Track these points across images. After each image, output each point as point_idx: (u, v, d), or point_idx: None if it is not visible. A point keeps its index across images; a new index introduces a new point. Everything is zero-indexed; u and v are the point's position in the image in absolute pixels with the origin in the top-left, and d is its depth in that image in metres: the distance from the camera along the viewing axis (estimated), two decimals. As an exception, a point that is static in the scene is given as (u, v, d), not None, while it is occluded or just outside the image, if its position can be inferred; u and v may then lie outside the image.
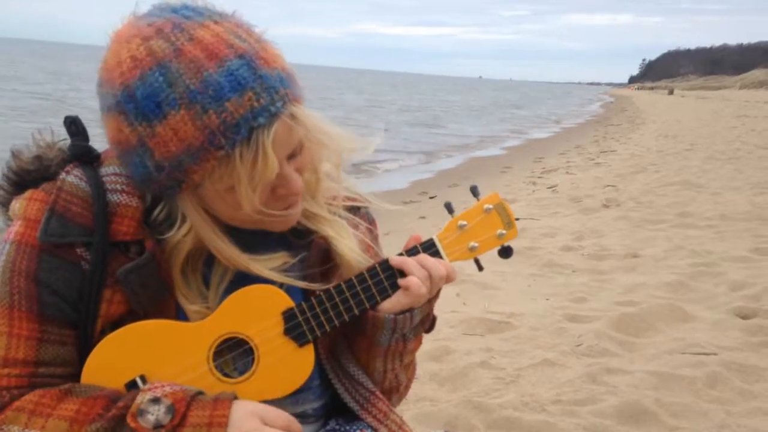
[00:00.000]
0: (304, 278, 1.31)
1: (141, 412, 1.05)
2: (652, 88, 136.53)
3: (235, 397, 1.11)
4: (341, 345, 1.37)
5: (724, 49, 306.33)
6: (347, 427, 1.34)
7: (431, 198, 9.86)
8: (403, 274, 1.28)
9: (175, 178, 1.08)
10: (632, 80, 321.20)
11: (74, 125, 1.21)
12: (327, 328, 1.24)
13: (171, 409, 1.06)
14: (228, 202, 1.12)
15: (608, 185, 9.48)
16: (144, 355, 1.15)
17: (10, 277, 1.13)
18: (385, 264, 1.29)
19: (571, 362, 3.29)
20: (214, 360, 1.19)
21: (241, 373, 1.20)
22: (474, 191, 1.34)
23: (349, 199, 1.38)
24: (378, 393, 1.39)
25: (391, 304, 1.28)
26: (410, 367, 1.43)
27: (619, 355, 3.41)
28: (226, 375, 1.20)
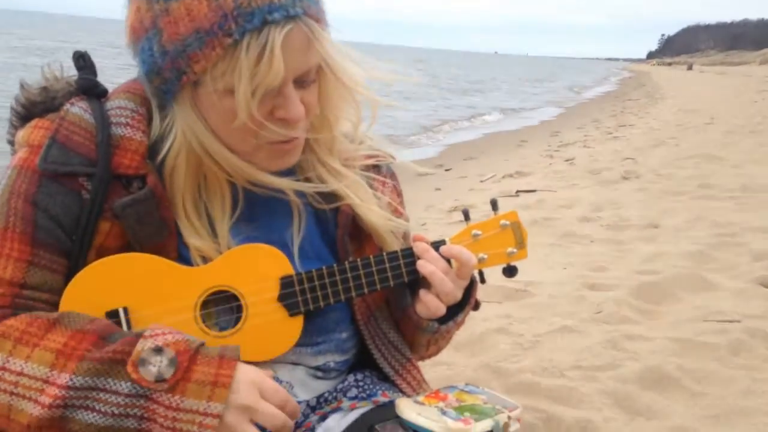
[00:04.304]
0: (334, 245, 1.28)
1: (142, 362, 1.01)
2: (670, 64, 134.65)
3: (239, 356, 1.07)
4: (383, 311, 1.34)
5: (745, 24, 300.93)
6: (371, 387, 1.31)
7: (447, 171, 9.79)
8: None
9: (177, 67, 1.05)
10: (651, 55, 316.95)
11: (82, 59, 1.20)
12: (321, 303, 1.21)
13: (174, 362, 1.01)
14: (224, 109, 1.08)
15: (627, 158, 9.34)
16: (132, 287, 1.12)
17: (8, 198, 1.11)
18: (407, 250, 1.26)
19: (591, 329, 3.24)
20: (201, 309, 1.15)
21: (222, 329, 1.16)
22: (494, 205, 1.32)
23: (370, 156, 1.33)
24: (414, 361, 1.37)
25: (422, 305, 1.25)
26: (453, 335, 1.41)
27: (640, 323, 3.35)
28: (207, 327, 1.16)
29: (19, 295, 1.08)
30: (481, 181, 8.29)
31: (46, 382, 1.00)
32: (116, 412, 1.00)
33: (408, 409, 1.17)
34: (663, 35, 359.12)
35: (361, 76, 1.17)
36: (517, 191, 7.15)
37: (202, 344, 1.06)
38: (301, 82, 1.10)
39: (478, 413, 1.17)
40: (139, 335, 1.04)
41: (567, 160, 9.68)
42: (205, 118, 1.11)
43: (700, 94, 26.88)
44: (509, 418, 1.18)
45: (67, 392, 0.99)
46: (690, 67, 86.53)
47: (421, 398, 1.23)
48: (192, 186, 1.17)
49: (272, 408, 1.05)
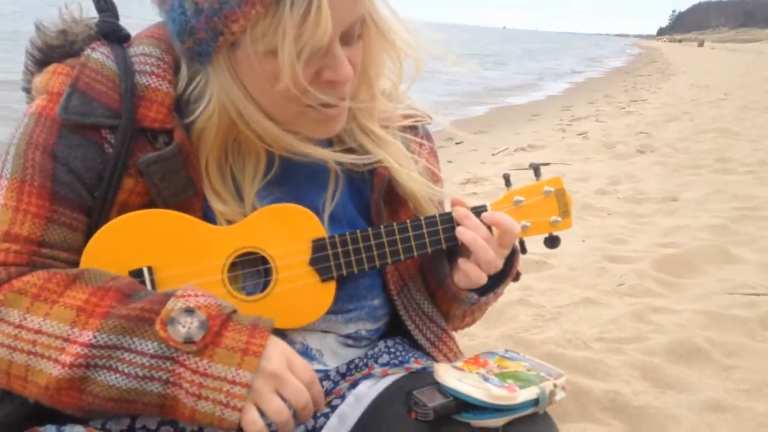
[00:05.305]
0: (367, 210, 1.19)
1: (171, 321, 0.93)
2: (680, 41, 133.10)
3: (272, 328, 1.00)
4: (417, 281, 1.26)
5: (757, 1, 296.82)
6: (404, 354, 1.24)
7: (457, 144, 9.67)
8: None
9: (212, 27, 0.94)
10: (661, 32, 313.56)
11: (103, 0, 1.09)
12: (355, 269, 1.13)
13: (204, 325, 0.94)
14: (265, 73, 0.98)
15: (641, 132, 9.21)
16: (157, 245, 1.03)
17: (25, 149, 1.01)
18: (446, 215, 1.18)
19: (614, 301, 3.16)
20: (229, 271, 1.07)
21: (249, 293, 1.09)
22: (536, 171, 1.25)
23: (407, 116, 1.24)
24: (449, 332, 1.30)
25: (461, 275, 1.17)
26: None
27: (664, 296, 3.26)
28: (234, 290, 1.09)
29: (36, 253, 1.00)
30: (493, 155, 8.16)
31: (66, 340, 0.93)
32: (140, 373, 0.93)
33: (447, 374, 1.09)
34: (674, 11, 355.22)
35: (407, 29, 1.08)
36: (531, 164, 7.03)
37: (235, 311, 0.99)
38: (346, 39, 1.01)
39: (522, 381, 1.09)
40: (169, 295, 0.97)
41: (580, 134, 9.54)
42: (243, 83, 1.01)
43: (712, 71, 26.53)
44: (555, 386, 1.10)
45: (89, 350, 0.92)
46: (701, 44, 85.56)
47: (459, 364, 1.16)
48: (218, 149, 1.08)
49: (299, 383, 0.98)
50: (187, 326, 0.93)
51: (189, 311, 0.94)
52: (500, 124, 11.99)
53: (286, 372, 0.97)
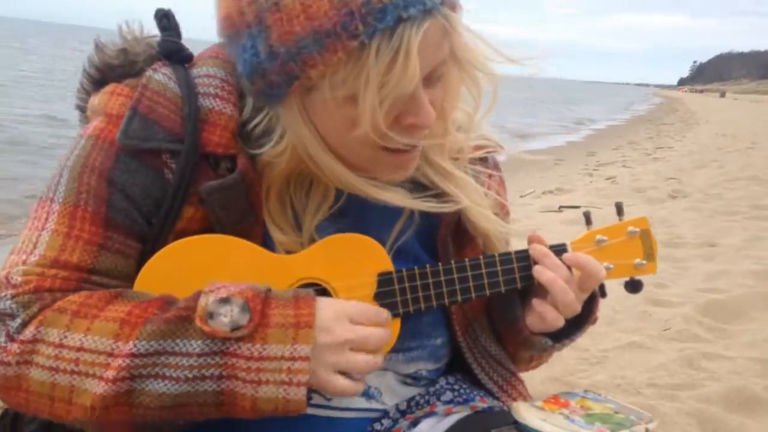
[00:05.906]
0: (432, 244, 1.12)
1: (211, 315, 0.87)
2: (702, 91, 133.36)
3: (315, 295, 0.93)
4: (481, 320, 1.19)
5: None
6: (468, 392, 1.17)
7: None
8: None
9: (288, 71, 0.87)
10: (682, 82, 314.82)
11: (166, 19, 1.04)
12: (423, 306, 1.06)
13: (246, 308, 0.87)
14: (342, 118, 0.91)
15: (671, 178, 9.11)
16: (214, 273, 0.96)
17: (80, 173, 0.96)
18: (522, 253, 1.11)
19: (661, 346, 3.04)
20: None
21: None
22: (619, 209, 1.19)
23: (479, 147, 1.17)
24: (518, 374, 1.23)
25: (535, 317, 1.11)
26: None
27: (713, 342, 3.14)
28: None
29: (86, 281, 0.93)
30: (521, 197, 8.09)
31: (110, 354, 0.86)
32: (190, 375, 0.86)
33: (530, 414, 1.02)
34: (695, 62, 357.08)
35: (487, 56, 0.98)
36: (560, 207, 6.94)
37: (270, 289, 0.92)
38: (429, 81, 0.94)
39: (612, 424, 1.01)
40: (200, 292, 0.90)
41: (608, 179, 9.46)
42: (315, 126, 0.95)
43: (735, 120, 26.47)
44: (647, 430, 1.02)
45: (131, 361, 0.85)
46: (722, 95, 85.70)
47: (539, 403, 1.08)
48: (282, 180, 1.02)
49: (370, 331, 0.94)
50: (229, 315, 0.87)
51: (224, 301, 0.88)
52: (523, 168, 11.91)
53: (354, 330, 0.92)
